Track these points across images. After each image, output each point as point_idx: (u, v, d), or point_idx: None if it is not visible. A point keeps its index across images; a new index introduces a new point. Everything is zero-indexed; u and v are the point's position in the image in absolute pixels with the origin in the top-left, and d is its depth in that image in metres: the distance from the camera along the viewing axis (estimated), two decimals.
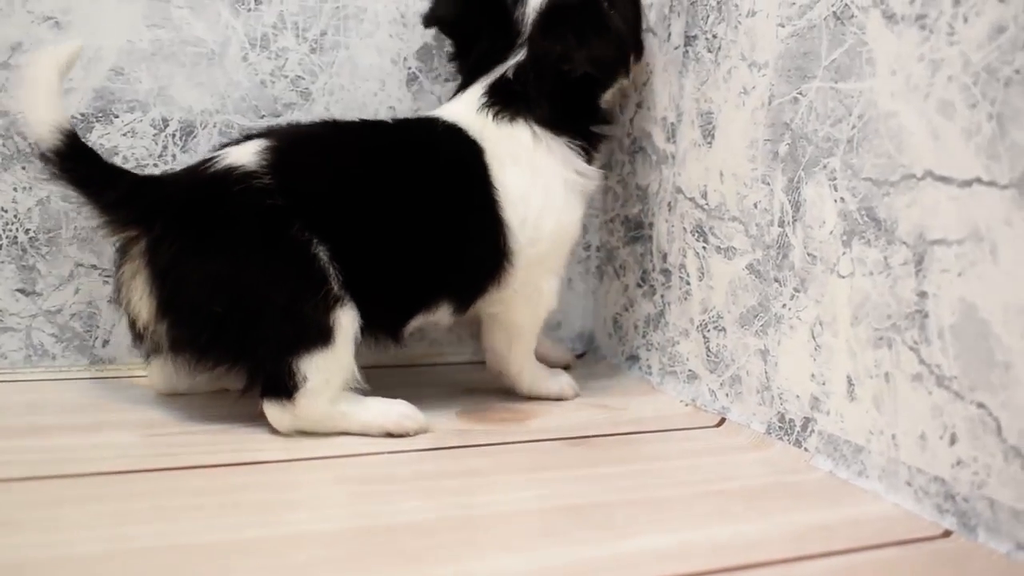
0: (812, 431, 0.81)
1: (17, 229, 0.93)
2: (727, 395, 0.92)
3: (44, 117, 0.77)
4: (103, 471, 0.70)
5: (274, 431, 0.80)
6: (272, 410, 0.79)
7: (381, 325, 0.85)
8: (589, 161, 0.93)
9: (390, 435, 0.81)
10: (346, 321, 0.79)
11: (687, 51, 0.96)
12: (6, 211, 0.92)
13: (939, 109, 0.68)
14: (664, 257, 1.01)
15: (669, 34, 0.99)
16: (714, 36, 0.92)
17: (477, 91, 0.91)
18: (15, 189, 0.92)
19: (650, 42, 1.02)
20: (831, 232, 0.78)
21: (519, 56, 0.90)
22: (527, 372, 0.95)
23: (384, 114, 1.03)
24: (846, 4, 0.76)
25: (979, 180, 0.65)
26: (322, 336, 0.78)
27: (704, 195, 0.94)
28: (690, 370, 0.97)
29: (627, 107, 1.07)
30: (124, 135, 0.95)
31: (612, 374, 1.08)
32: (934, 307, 0.68)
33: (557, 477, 0.75)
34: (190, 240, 0.77)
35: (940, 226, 0.68)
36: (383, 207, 0.82)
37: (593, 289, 1.17)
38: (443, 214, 0.85)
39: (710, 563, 0.60)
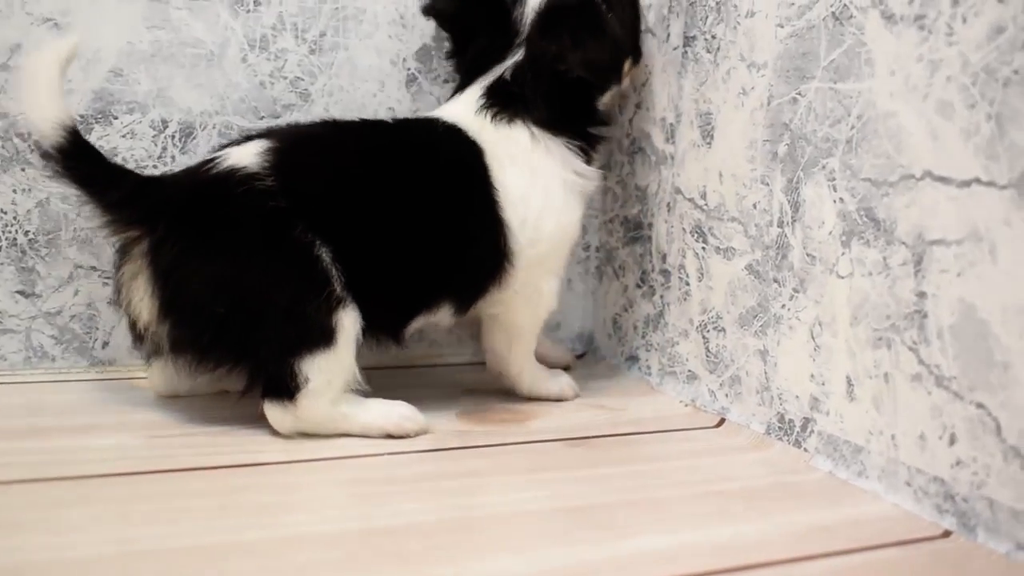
0: (812, 431, 0.81)
1: (17, 231, 0.93)
2: (727, 395, 0.92)
3: (47, 114, 0.76)
4: (103, 473, 0.70)
5: (274, 433, 0.80)
6: (273, 411, 0.79)
7: (383, 326, 0.85)
8: (588, 162, 0.93)
9: (390, 436, 0.81)
10: (348, 322, 0.79)
11: (686, 52, 0.96)
12: (6, 213, 0.92)
13: (938, 109, 0.68)
14: (663, 258, 1.01)
15: (668, 35, 0.99)
16: (713, 37, 0.92)
17: (475, 92, 0.91)
18: (15, 191, 0.92)
19: (649, 43, 1.02)
20: (830, 232, 0.78)
21: (517, 56, 0.90)
22: (527, 373, 0.95)
23: (383, 115, 1.03)
24: (845, 4, 0.76)
25: (978, 180, 0.65)
26: (324, 337, 0.78)
27: (703, 196, 0.94)
28: (690, 370, 0.97)
29: (626, 108, 1.07)
30: (123, 136, 0.95)
31: (612, 375, 1.08)
32: (933, 307, 0.68)
33: (557, 478, 0.75)
34: (193, 241, 0.77)
35: (939, 226, 0.68)
36: (385, 208, 0.82)
37: (593, 290, 1.17)
38: (444, 215, 0.85)
39: (710, 564, 0.60)
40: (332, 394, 0.80)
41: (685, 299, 0.98)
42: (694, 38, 0.95)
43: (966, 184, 0.66)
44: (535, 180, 0.89)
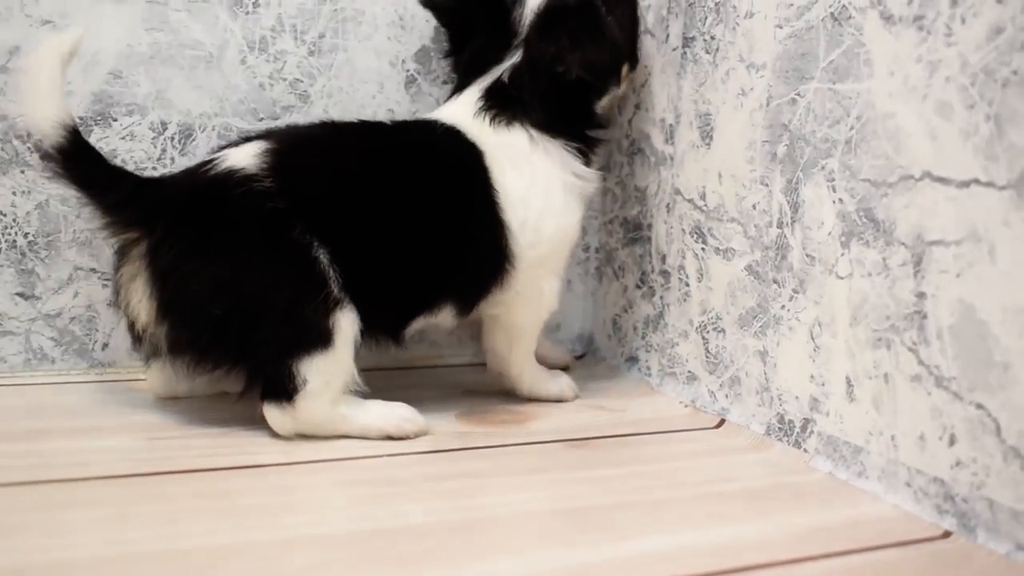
0: (811, 432, 0.81)
1: (16, 233, 0.93)
2: (726, 396, 0.92)
3: (48, 113, 0.76)
4: (102, 475, 0.70)
5: (273, 434, 0.80)
6: (272, 413, 0.79)
7: (382, 327, 0.85)
8: (587, 163, 0.93)
9: (390, 438, 0.81)
10: (346, 324, 0.79)
11: (685, 52, 0.96)
12: (5, 215, 0.92)
13: (937, 110, 0.68)
14: (663, 258, 1.01)
15: (667, 35, 0.99)
16: (712, 37, 0.92)
17: (474, 94, 0.91)
18: (14, 193, 0.92)
19: (648, 43, 1.02)
20: (829, 233, 0.78)
21: (515, 58, 0.90)
22: (527, 374, 0.95)
23: (383, 116, 1.03)
24: (844, 5, 0.76)
25: (977, 181, 0.65)
26: (322, 338, 0.78)
27: (703, 196, 0.94)
28: (689, 371, 0.97)
29: (625, 109, 1.07)
30: (123, 138, 0.95)
31: (611, 375, 1.08)
32: (933, 308, 0.68)
33: (557, 479, 0.75)
34: (191, 242, 0.77)
35: (938, 227, 0.68)
36: (384, 210, 0.82)
37: (592, 291, 1.17)
38: (444, 217, 0.85)
39: (710, 565, 0.60)
40: (331, 395, 0.80)
41: (685, 300, 0.98)
42: (693, 39, 0.95)
43: (965, 185, 0.66)
44: (535, 182, 0.89)
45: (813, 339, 0.80)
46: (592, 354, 1.16)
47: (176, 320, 0.78)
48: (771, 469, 0.79)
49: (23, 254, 0.93)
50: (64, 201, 0.93)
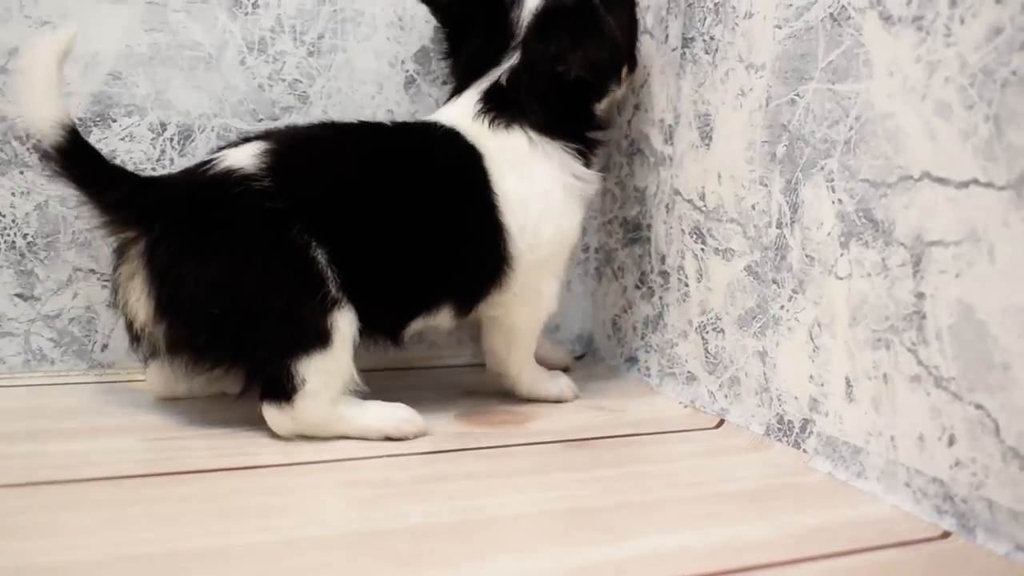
0: (811, 432, 0.81)
1: (15, 234, 0.93)
2: (726, 396, 0.92)
3: (46, 113, 0.76)
4: (102, 476, 0.70)
5: (273, 435, 0.80)
6: (271, 413, 0.79)
7: (381, 327, 0.85)
8: (587, 165, 0.93)
9: (389, 439, 0.81)
10: (344, 324, 0.79)
11: (684, 53, 0.96)
12: (4, 216, 0.92)
13: (936, 110, 0.68)
14: (662, 259, 1.01)
15: (666, 36, 0.99)
16: (711, 38, 0.92)
17: (472, 97, 0.91)
18: (13, 194, 0.92)
19: (647, 44, 1.02)
20: (829, 233, 0.78)
21: (512, 60, 0.90)
22: (526, 374, 0.95)
23: (382, 117, 1.03)
24: (843, 6, 0.76)
25: (976, 181, 0.65)
26: (320, 338, 0.78)
27: (702, 197, 0.94)
28: (689, 372, 0.97)
29: (624, 109, 1.07)
30: (122, 139, 0.95)
31: (611, 376, 1.08)
32: (932, 308, 0.68)
33: (556, 480, 0.75)
34: (189, 241, 0.77)
35: (937, 227, 0.68)
36: (382, 210, 0.82)
37: (592, 291, 1.17)
38: (443, 218, 0.85)
39: (709, 565, 0.60)
40: (330, 395, 0.80)
41: (684, 300, 0.98)
42: (692, 39, 0.95)
43: (964, 185, 0.66)
44: (534, 185, 0.89)
45: (812, 339, 0.80)
46: (592, 354, 1.16)
47: (174, 319, 0.78)
48: (770, 469, 0.79)
49: (22, 255, 0.93)
50: (63, 202, 0.93)
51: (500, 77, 0.90)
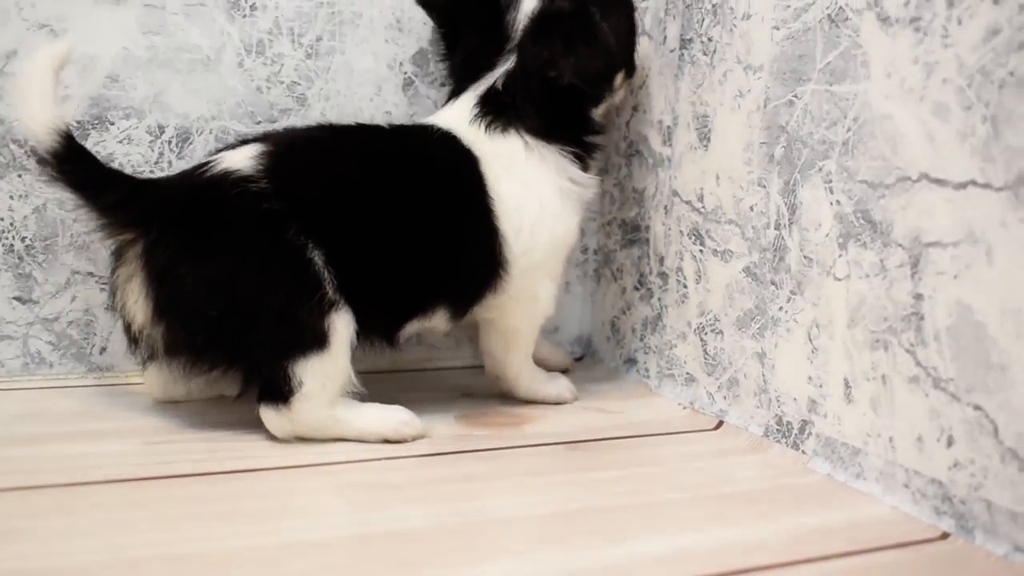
0: (809, 434, 0.81)
1: (13, 237, 0.93)
2: (725, 398, 0.92)
3: (40, 119, 0.77)
4: (101, 480, 0.70)
5: (271, 438, 0.80)
6: (268, 414, 0.79)
7: (377, 329, 0.85)
8: (584, 168, 0.93)
9: (387, 441, 0.81)
10: (341, 325, 0.79)
11: (683, 54, 0.96)
12: (2, 219, 0.92)
13: (934, 111, 0.68)
14: (661, 260, 1.01)
15: (665, 37, 0.99)
16: (709, 39, 0.92)
17: (469, 101, 0.91)
18: (11, 197, 0.92)
19: (646, 45, 1.02)
20: (827, 235, 0.78)
21: (508, 64, 0.90)
22: (524, 376, 0.95)
23: (380, 119, 1.03)
24: (840, 7, 0.76)
25: (974, 182, 0.65)
26: (317, 340, 0.78)
27: (700, 198, 0.94)
28: (688, 373, 0.97)
29: (623, 111, 1.07)
30: (120, 142, 0.95)
31: (610, 377, 1.08)
32: (930, 309, 0.68)
33: (555, 482, 0.75)
34: (186, 243, 0.78)
35: (935, 228, 0.68)
36: (379, 213, 0.82)
37: (591, 292, 1.17)
38: (438, 221, 0.85)
39: (708, 567, 0.60)
40: (327, 397, 0.80)
41: (683, 301, 0.98)
42: (690, 40, 0.95)
43: (962, 186, 0.66)
44: (530, 189, 0.89)
45: (811, 340, 0.80)
46: (590, 356, 1.16)
47: (172, 320, 0.79)
48: (769, 471, 0.79)
49: (20, 258, 0.93)
50: (61, 205, 0.93)
51: (496, 81, 0.90)
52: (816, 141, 0.79)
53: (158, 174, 0.95)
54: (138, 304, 0.79)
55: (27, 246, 0.93)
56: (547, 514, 0.69)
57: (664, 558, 0.61)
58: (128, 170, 0.93)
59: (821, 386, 0.79)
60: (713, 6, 0.91)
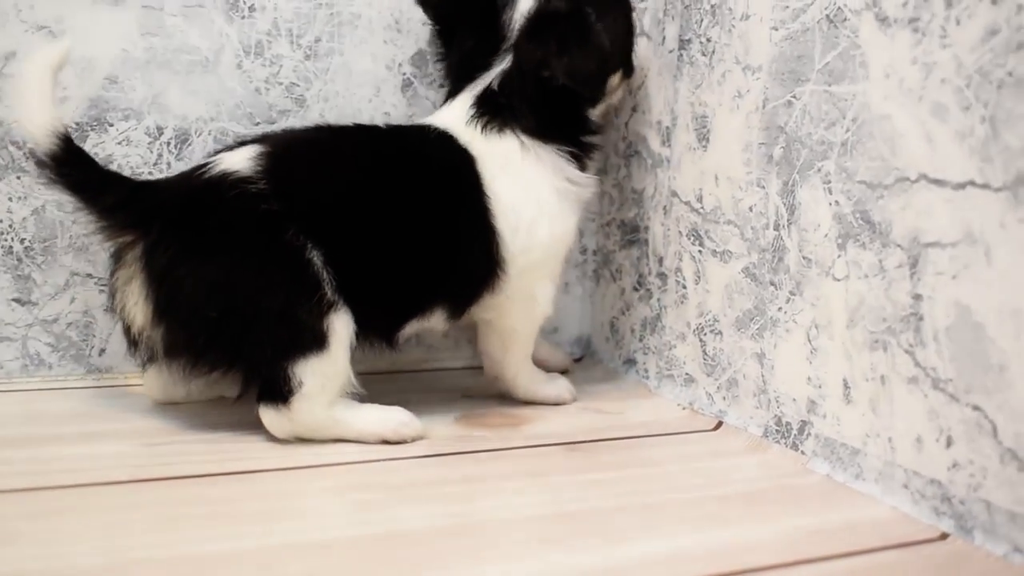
0: (809, 434, 0.81)
1: (13, 239, 0.93)
2: (724, 398, 0.92)
3: (39, 121, 0.77)
4: (100, 481, 0.70)
5: (271, 439, 0.80)
6: (268, 415, 0.79)
7: (375, 330, 0.85)
8: (582, 168, 0.93)
9: (387, 442, 0.81)
10: (340, 326, 0.79)
11: (681, 55, 0.96)
12: (1, 220, 0.92)
13: (932, 112, 0.68)
14: (660, 261, 1.01)
15: (663, 38, 0.99)
16: (708, 40, 0.92)
17: (466, 101, 0.91)
18: (10, 199, 0.92)
19: (645, 46, 1.02)
20: (826, 235, 0.78)
21: (505, 63, 0.90)
22: (523, 377, 0.95)
23: (379, 120, 1.03)
24: (839, 7, 0.76)
25: (973, 183, 0.65)
26: (317, 341, 0.78)
27: (699, 199, 0.94)
28: (687, 373, 0.97)
29: (622, 111, 1.07)
30: (119, 144, 0.95)
31: (609, 378, 1.08)
32: (929, 310, 0.68)
33: (554, 483, 0.75)
34: (185, 244, 0.78)
35: (934, 229, 0.68)
36: (377, 213, 0.82)
37: (590, 293, 1.17)
38: (436, 221, 0.85)
39: (707, 568, 0.60)
40: (327, 397, 0.80)
41: (682, 302, 0.98)
42: (689, 41, 0.95)
43: (961, 187, 0.66)
44: (527, 189, 0.89)
45: (810, 341, 0.80)
46: (590, 357, 1.16)
47: (172, 322, 0.79)
48: (769, 471, 0.79)
49: (20, 260, 0.93)
50: (60, 207, 0.93)
51: (493, 81, 0.90)
52: (815, 142, 0.79)
53: (157, 176, 0.95)
54: (138, 306, 0.79)
55: (26, 248, 0.93)
56: (546, 515, 0.69)
57: (663, 559, 0.61)
58: (127, 172, 0.94)
59: (820, 387, 0.79)
60: (712, 7, 0.91)
